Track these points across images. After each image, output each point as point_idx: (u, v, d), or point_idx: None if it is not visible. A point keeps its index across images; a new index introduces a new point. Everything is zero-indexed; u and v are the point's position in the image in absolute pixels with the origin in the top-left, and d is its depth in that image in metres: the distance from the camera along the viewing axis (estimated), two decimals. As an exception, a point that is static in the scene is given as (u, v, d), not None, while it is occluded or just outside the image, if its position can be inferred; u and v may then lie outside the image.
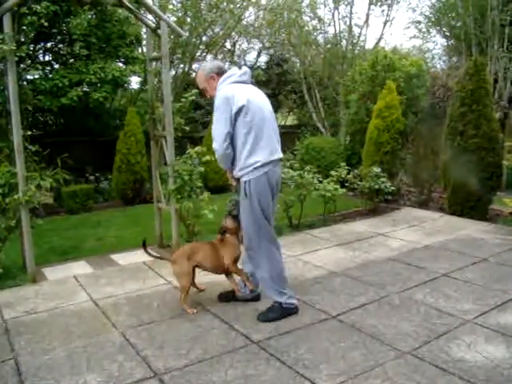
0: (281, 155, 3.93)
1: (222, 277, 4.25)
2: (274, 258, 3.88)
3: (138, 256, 5.70)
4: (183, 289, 4.03)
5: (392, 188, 7.62)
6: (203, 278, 4.52)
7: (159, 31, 5.55)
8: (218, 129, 3.71)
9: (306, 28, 13.71)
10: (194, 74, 13.98)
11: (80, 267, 5.41)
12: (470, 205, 7.07)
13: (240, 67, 4.00)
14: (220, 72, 3.91)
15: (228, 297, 4.27)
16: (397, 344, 3.40)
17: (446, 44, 16.89)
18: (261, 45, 16.15)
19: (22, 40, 7.06)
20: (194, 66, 12.99)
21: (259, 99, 3.84)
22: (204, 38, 12.88)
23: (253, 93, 3.82)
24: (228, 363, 3.21)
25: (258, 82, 14.06)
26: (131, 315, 4.04)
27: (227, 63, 16.21)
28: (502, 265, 5.05)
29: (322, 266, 5.16)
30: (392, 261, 5.28)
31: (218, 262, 4.09)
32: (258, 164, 3.71)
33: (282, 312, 3.88)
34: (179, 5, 11.94)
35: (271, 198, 3.85)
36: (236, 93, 3.69)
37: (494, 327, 3.62)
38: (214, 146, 3.74)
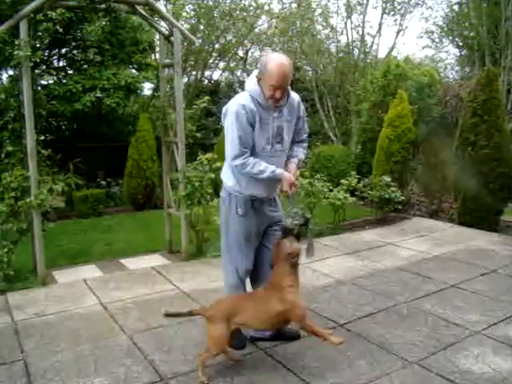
0: None
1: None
2: None
3: (147, 261, 5.75)
4: (209, 352, 3.11)
5: (402, 197, 7.60)
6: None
7: (172, 38, 5.60)
8: None
9: (319, 37, 13.75)
10: (206, 82, 14.10)
11: (89, 271, 5.45)
12: (480, 215, 7.03)
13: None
14: None
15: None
16: (404, 354, 3.39)
17: (458, 54, 16.87)
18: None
19: (37, 46, 7.15)
20: (207, 73, 13.07)
21: None
22: (217, 46, 12.95)
23: None
24: (235, 370, 3.22)
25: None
26: (139, 319, 4.06)
27: (239, 71, 16.31)
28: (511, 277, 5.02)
29: (331, 274, 5.16)
30: (400, 270, 5.27)
31: (270, 316, 3.09)
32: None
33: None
34: (193, 12, 12.03)
35: None
36: None
37: (502, 339, 3.60)
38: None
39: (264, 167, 3.20)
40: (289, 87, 3.23)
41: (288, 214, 3.24)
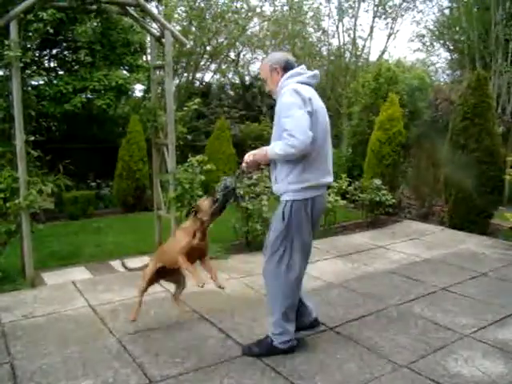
0: (331, 180, 3.46)
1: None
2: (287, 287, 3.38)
3: (137, 263, 5.69)
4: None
5: (393, 200, 7.63)
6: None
7: (163, 40, 5.59)
8: (299, 120, 3.08)
9: (310, 39, 13.79)
10: (197, 83, 14.09)
11: (79, 273, 5.41)
12: (470, 219, 7.07)
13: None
14: (287, 66, 3.37)
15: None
16: (393, 357, 3.39)
17: (449, 58, 16.99)
18: (265, 55, 16.23)
19: (28, 46, 7.11)
20: (198, 75, 13.06)
21: (324, 111, 3.37)
22: (208, 48, 12.96)
23: (319, 101, 3.37)
24: (223, 372, 3.20)
25: (262, 93, 14.12)
26: (128, 322, 4.02)
27: (231, 73, 16.31)
28: (502, 280, 5.04)
29: (321, 277, 5.15)
30: (391, 273, 5.27)
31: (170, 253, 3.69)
32: (307, 184, 3.24)
33: (269, 351, 3.43)
34: (184, 14, 12.03)
35: (310, 228, 3.42)
36: (312, 96, 3.26)
37: (491, 342, 3.60)
38: (293, 142, 3.04)
39: None
40: (277, 83, 3.38)
41: (222, 180, 3.58)
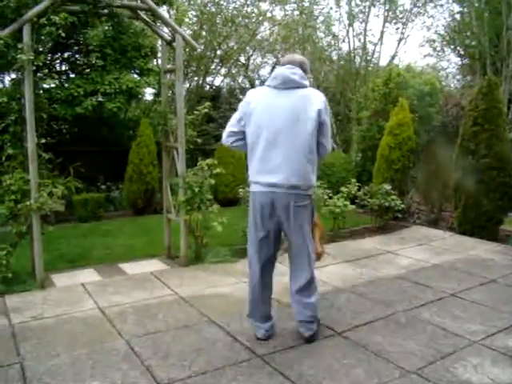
0: (274, 180, 3.42)
1: (225, 288, 4.24)
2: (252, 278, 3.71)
3: (146, 266, 5.74)
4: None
5: (402, 206, 7.60)
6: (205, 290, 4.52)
7: (174, 44, 5.62)
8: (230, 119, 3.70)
9: (320, 44, 13.80)
10: (207, 88, 14.14)
11: (88, 275, 5.44)
12: (480, 225, 7.02)
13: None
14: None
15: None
16: (402, 363, 3.38)
17: (460, 63, 16.93)
18: (275, 59, 16.27)
19: (40, 50, 7.18)
20: (208, 79, 13.11)
21: (267, 113, 3.43)
22: (218, 52, 13.01)
23: (268, 98, 3.50)
24: (231, 376, 3.20)
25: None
26: (137, 324, 4.05)
27: (241, 77, 16.35)
28: (511, 286, 5.00)
29: (329, 282, 5.15)
30: (400, 279, 5.26)
31: None
32: (250, 178, 3.61)
33: None
34: (195, 18, 12.09)
35: (259, 221, 3.55)
36: (255, 98, 3.52)
37: (501, 349, 3.58)
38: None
39: None
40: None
41: None
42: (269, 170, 3.43)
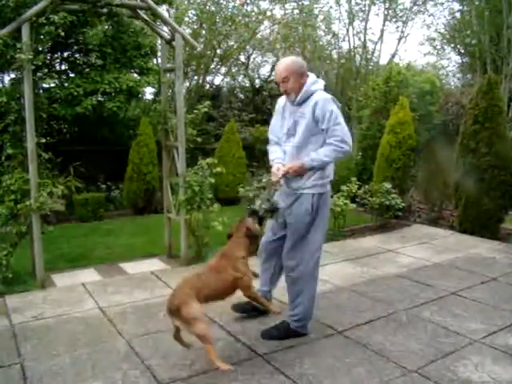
0: None
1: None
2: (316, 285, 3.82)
3: (147, 265, 5.74)
4: (206, 338, 3.19)
5: (402, 204, 7.59)
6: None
7: (174, 43, 5.61)
8: (345, 127, 3.52)
9: (321, 43, 13.79)
10: (207, 86, 14.13)
11: (88, 275, 5.43)
12: (480, 223, 7.01)
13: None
14: (305, 72, 3.60)
15: (245, 309, 4.10)
16: (403, 362, 3.37)
17: (460, 61, 16.92)
18: (275, 58, 16.25)
19: (40, 49, 7.16)
20: (208, 78, 13.09)
21: None
22: (218, 51, 12.99)
23: None
24: (232, 375, 3.20)
25: (272, 96, 14.13)
26: (137, 324, 4.05)
27: (241, 76, 16.33)
28: (512, 285, 5.00)
29: (330, 280, 5.14)
30: (400, 277, 5.25)
31: (227, 284, 3.44)
32: (329, 179, 3.68)
33: (287, 333, 3.74)
34: (195, 17, 12.08)
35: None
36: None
37: (502, 348, 3.57)
38: (346, 147, 3.48)
39: (272, 156, 3.70)
40: (306, 86, 3.52)
41: (260, 197, 3.52)
42: None
